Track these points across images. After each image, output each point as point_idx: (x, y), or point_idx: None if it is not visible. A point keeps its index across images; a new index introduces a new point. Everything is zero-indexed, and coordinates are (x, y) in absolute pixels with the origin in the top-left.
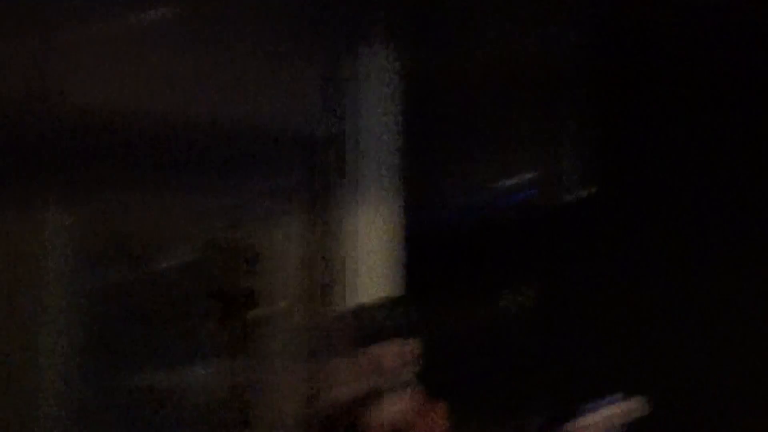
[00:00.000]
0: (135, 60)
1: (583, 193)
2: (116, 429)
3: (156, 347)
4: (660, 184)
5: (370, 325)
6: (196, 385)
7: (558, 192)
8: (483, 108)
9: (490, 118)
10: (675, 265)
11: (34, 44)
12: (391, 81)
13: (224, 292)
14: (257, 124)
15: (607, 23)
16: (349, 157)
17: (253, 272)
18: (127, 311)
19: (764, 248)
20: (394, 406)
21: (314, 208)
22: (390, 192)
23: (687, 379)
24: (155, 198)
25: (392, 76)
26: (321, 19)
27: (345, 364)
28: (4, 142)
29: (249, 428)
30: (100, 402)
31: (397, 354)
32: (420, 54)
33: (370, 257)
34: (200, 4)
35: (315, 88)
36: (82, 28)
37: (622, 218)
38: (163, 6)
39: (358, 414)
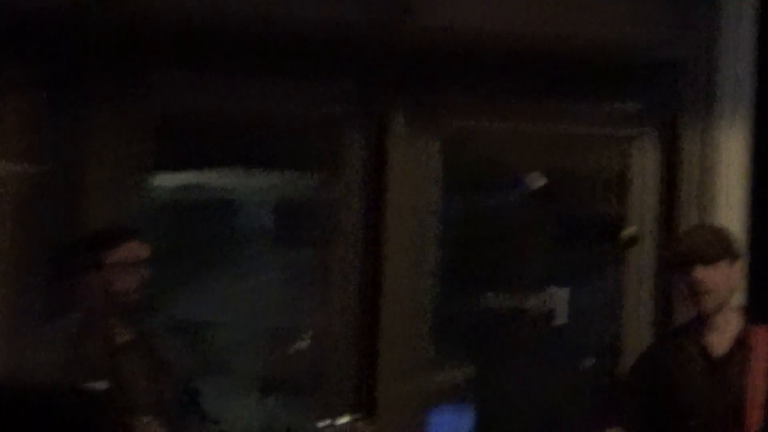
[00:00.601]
0: None
1: None
2: (474, 350)
3: (517, 270)
4: None
5: None
6: (561, 306)
7: None
8: None
9: None
10: None
11: None
12: None
13: (587, 217)
14: (608, 47)
15: None
16: (705, 78)
17: (615, 195)
18: (488, 234)
19: None
20: None
21: (670, 130)
22: (746, 112)
23: None
24: (510, 125)
25: None
26: None
27: None
28: (363, 66)
29: (618, 346)
30: (463, 321)
31: None
32: None
33: (726, 180)
34: None
35: (670, 9)
36: None
37: None
38: None
39: None
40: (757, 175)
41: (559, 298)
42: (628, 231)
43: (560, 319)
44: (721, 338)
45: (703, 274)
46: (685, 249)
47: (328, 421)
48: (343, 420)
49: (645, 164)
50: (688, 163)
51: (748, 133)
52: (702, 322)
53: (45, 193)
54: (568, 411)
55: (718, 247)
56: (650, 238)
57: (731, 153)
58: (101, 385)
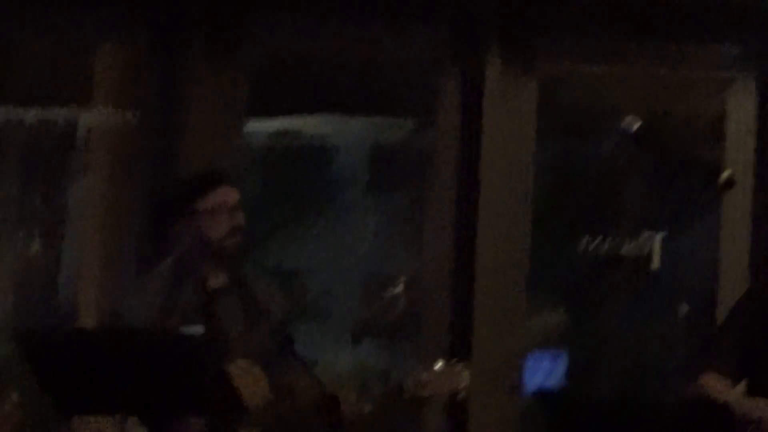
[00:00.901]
0: None
1: None
2: (569, 296)
3: (613, 215)
4: None
5: None
6: (657, 251)
7: None
8: None
9: None
10: None
11: None
12: None
13: (684, 161)
14: None
15: None
16: None
17: (712, 139)
18: (584, 179)
19: None
20: None
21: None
22: None
23: None
24: (606, 68)
25: None
26: None
27: None
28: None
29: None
30: (558, 266)
31: None
32: None
33: None
34: None
35: None
36: None
37: None
38: None
39: None
40: None
41: (655, 243)
42: (726, 174)
43: (656, 264)
44: None
45: None
46: None
47: (423, 367)
48: (439, 365)
49: (743, 108)
50: None
51: None
52: None
53: (143, 140)
54: (663, 357)
55: None
56: (747, 184)
57: None
58: (197, 330)
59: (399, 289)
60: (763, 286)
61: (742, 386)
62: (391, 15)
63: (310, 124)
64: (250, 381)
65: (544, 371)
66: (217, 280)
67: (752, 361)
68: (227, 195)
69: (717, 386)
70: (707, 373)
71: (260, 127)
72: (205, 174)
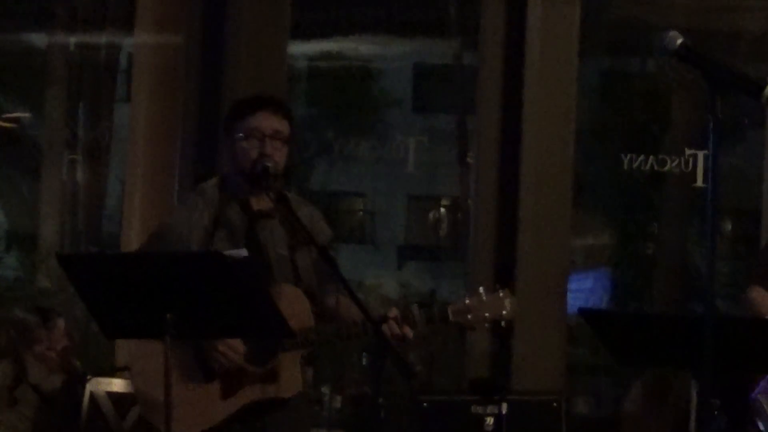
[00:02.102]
0: None
1: None
2: (614, 213)
3: (656, 133)
4: None
5: None
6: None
7: None
8: None
9: None
10: None
11: None
12: None
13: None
14: None
15: None
16: None
17: (756, 56)
18: (628, 97)
19: None
20: None
21: None
22: None
23: None
24: None
25: None
26: None
27: None
28: None
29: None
30: (602, 184)
31: None
32: None
33: None
34: None
35: None
36: None
37: None
38: None
39: None
40: None
41: (699, 161)
42: None
43: (700, 182)
44: None
45: None
46: None
47: (467, 291)
48: (481, 291)
49: None
50: None
51: None
52: None
53: (186, 64)
54: (708, 273)
55: None
56: None
57: None
58: (241, 252)
59: (444, 210)
60: None
61: None
62: None
63: (353, 46)
64: (293, 306)
65: (589, 289)
66: (261, 203)
67: None
68: (264, 121)
69: (764, 302)
70: (754, 285)
71: (305, 49)
72: (250, 98)
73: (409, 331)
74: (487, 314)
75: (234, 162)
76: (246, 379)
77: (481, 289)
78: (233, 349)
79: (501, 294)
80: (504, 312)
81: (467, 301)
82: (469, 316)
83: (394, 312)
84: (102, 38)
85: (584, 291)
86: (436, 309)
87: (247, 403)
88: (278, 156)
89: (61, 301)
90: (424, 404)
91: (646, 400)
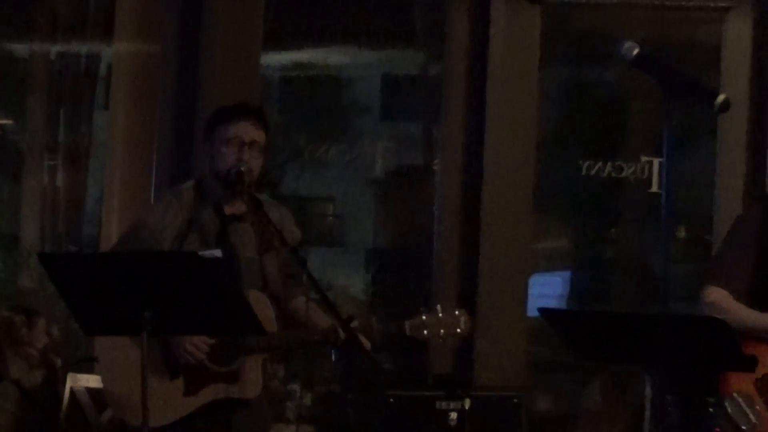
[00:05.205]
0: None
1: None
2: (573, 218)
3: (614, 140)
4: None
5: None
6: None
7: None
8: None
9: None
10: None
11: None
12: None
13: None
14: None
15: None
16: None
17: (710, 65)
18: (587, 106)
19: None
20: None
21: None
22: None
23: None
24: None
25: None
26: None
27: None
28: None
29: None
30: (562, 190)
31: None
32: None
33: None
34: None
35: None
36: None
37: None
38: None
39: None
40: None
41: (654, 167)
42: (722, 97)
43: (655, 187)
44: None
45: None
46: None
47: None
48: (439, 308)
49: (738, 35)
50: None
51: None
52: None
53: (163, 73)
54: (664, 275)
55: None
56: (743, 109)
57: None
58: (214, 253)
59: (410, 216)
60: (759, 209)
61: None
62: None
63: (324, 56)
64: (258, 311)
65: (549, 291)
66: (233, 207)
67: (754, 276)
68: (242, 130)
69: (721, 302)
70: (711, 286)
71: (277, 59)
72: (232, 106)
73: (367, 342)
74: (442, 331)
75: (211, 166)
76: (209, 378)
77: (438, 307)
78: (198, 347)
79: (457, 312)
80: (458, 330)
81: (424, 318)
82: (425, 332)
83: (355, 323)
84: (82, 48)
85: (545, 292)
86: (393, 323)
87: (210, 401)
88: (254, 164)
89: (42, 299)
90: (391, 399)
91: (603, 397)
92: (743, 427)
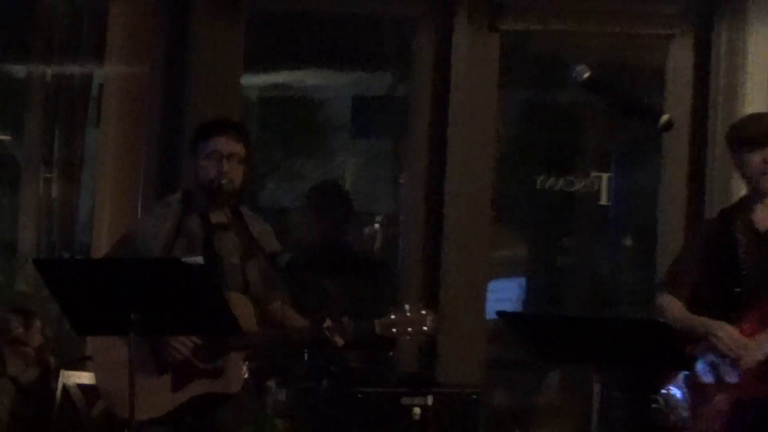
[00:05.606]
0: None
1: None
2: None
3: (567, 156)
4: None
5: None
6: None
7: None
8: None
9: None
10: None
11: None
12: None
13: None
14: None
15: None
16: None
17: (655, 88)
18: (542, 124)
19: None
20: None
21: (705, 31)
22: None
23: None
24: (563, 25)
25: None
26: None
27: None
28: None
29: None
30: (519, 202)
31: None
32: None
33: (752, 77)
34: None
35: None
36: None
37: None
38: None
39: None
40: None
41: (603, 182)
42: (665, 117)
43: (604, 200)
44: (765, 214)
45: None
46: (756, 131)
47: (397, 300)
48: (407, 308)
49: (681, 60)
50: (718, 61)
51: None
52: (753, 200)
53: (151, 92)
54: (612, 281)
55: None
56: (685, 128)
57: (759, 52)
58: (197, 259)
59: (378, 225)
60: (710, 223)
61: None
62: None
63: (300, 77)
64: (239, 312)
65: (507, 296)
66: (218, 216)
67: (706, 284)
68: (222, 145)
69: (674, 308)
70: (665, 296)
71: (256, 80)
72: (212, 122)
73: (339, 340)
74: (409, 329)
75: (195, 178)
76: (195, 374)
77: (406, 306)
78: (184, 344)
79: (423, 312)
80: (425, 328)
81: (393, 317)
82: (394, 330)
83: (327, 323)
84: (75, 69)
85: (502, 296)
86: (364, 322)
87: (196, 396)
88: (234, 174)
89: (37, 302)
90: (360, 395)
91: (556, 393)
92: (684, 415)
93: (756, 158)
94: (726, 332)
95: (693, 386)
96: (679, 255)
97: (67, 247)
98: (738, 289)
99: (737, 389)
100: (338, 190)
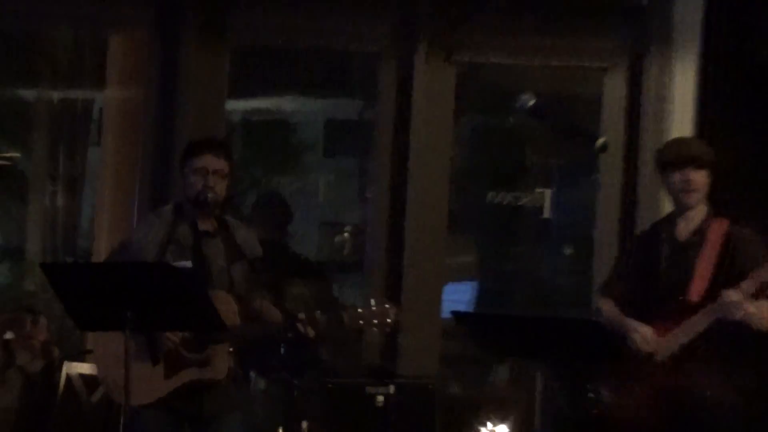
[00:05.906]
0: None
1: None
2: (480, 238)
3: (514, 174)
4: None
5: None
6: (548, 203)
7: None
8: None
9: None
10: None
11: None
12: None
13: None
14: None
15: None
16: (665, 24)
17: (591, 115)
18: (493, 146)
19: None
20: None
21: (637, 65)
22: (696, 52)
23: None
24: (511, 59)
25: None
26: None
27: None
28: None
29: (592, 236)
30: (472, 215)
31: None
32: None
33: (679, 107)
34: None
35: None
36: None
37: None
38: None
39: None
40: (703, 104)
41: (546, 197)
42: (601, 141)
43: (547, 214)
44: (687, 227)
45: (695, 175)
46: (682, 153)
47: (361, 300)
48: (372, 302)
49: (615, 90)
50: (648, 91)
51: (697, 69)
52: (678, 215)
53: (146, 115)
54: (553, 286)
55: (707, 156)
56: (618, 151)
57: (684, 85)
58: (186, 264)
59: (347, 235)
60: (642, 235)
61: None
62: (341, 14)
63: (278, 103)
64: (223, 308)
65: (461, 298)
66: (205, 225)
67: (636, 289)
68: (208, 161)
69: (608, 309)
70: (604, 300)
71: (239, 105)
72: (199, 141)
73: (311, 331)
74: (375, 321)
75: (184, 191)
76: (185, 364)
77: (372, 301)
78: (174, 333)
79: (387, 306)
80: (388, 320)
81: (360, 310)
82: (361, 321)
83: (301, 315)
84: (78, 93)
85: (456, 298)
86: (334, 314)
87: (186, 383)
88: (218, 188)
89: (43, 301)
90: (329, 386)
91: (503, 385)
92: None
93: (677, 177)
94: (640, 333)
95: (619, 378)
96: (615, 263)
97: (70, 253)
98: (659, 294)
99: (656, 380)
100: (278, 199)
